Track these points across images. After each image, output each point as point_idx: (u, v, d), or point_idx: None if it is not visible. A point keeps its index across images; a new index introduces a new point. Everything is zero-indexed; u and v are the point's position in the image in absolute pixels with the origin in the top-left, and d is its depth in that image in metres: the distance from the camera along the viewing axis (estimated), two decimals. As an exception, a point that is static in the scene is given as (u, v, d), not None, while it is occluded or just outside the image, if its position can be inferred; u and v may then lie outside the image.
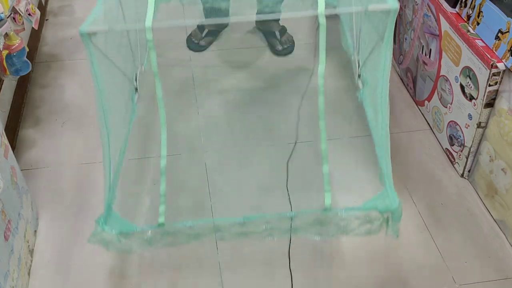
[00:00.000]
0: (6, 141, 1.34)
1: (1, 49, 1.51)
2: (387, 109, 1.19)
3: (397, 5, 1.07)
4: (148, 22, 1.07)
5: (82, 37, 1.04)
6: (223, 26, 2.31)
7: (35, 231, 1.49)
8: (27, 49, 1.62)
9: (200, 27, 2.25)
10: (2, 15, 1.43)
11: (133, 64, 1.57)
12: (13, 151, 1.40)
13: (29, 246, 1.41)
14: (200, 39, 2.24)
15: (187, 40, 2.25)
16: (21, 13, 1.62)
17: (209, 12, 2.23)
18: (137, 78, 1.55)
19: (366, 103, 1.46)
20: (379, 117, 1.24)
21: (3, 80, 1.72)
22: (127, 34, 1.45)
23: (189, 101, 1.95)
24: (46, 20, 2.40)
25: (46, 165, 1.70)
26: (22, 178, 1.42)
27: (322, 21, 1.07)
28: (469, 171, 1.68)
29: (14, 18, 1.60)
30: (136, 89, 1.54)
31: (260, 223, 1.14)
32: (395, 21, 1.09)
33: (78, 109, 1.92)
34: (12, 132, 1.76)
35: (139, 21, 1.35)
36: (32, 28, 1.78)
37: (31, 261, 1.41)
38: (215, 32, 2.27)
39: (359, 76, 1.55)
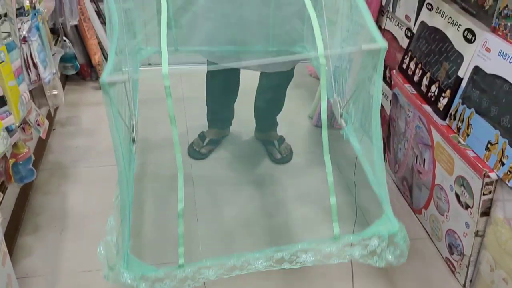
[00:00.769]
0: (5, 248, 1.34)
1: (9, 158, 1.56)
2: (380, 137, 1.30)
3: (386, 44, 1.18)
4: (165, 69, 1.15)
5: (102, 86, 1.13)
6: (224, 135, 2.40)
7: None
8: (33, 158, 1.67)
9: (202, 136, 2.34)
10: (13, 126, 1.49)
11: (130, 115, 1.61)
12: (10, 258, 1.40)
13: None
14: (201, 147, 2.31)
15: (188, 148, 2.32)
16: (30, 123, 1.69)
17: (213, 121, 2.33)
18: (134, 129, 1.60)
19: (353, 139, 1.52)
20: (374, 145, 1.33)
21: (7, 188, 1.75)
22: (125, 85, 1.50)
23: (188, 208, 1.97)
24: (53, 129, 2.49)
25: (43, 273, 1.68)
26: (17, 286, 1.40)
27: (323, 61, 1.18)
28: (470, 281, 1.65)
29: (23, 128, 1.67)
30: (134, 139, 1.59)
31: (285, 253, 1.20)
32: (383, 61, 1.20)
33: (78, 216, 1.93)
34: (11, 239, 1.75)
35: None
36: (39, 137, 1.84)
37: None
38: (216, 141, 2.35)
39: (341, 115, 1.62)
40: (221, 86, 2.21)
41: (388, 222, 1.27)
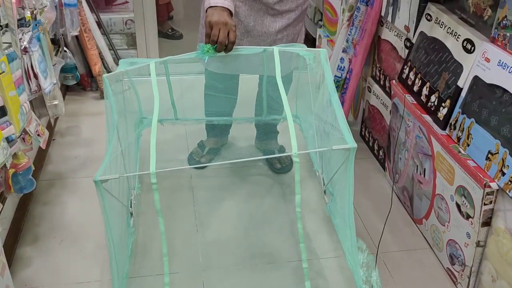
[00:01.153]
0: (4, 259, 1.33)
1: (8, 168, 1.56)
2: (353, 228, 1.45)
3: (355, 145, 1.34)
4: (152, 168, 1.28)
5: (96, 184, 1.29)
6: (223, 143, 2.40)
7: None
8: (33, 168, 1.67)
9: (201, 145, 2.33)
10: (13, 136, 1.49)
11: (128, 191, 1.74)
12: (9, 269, 1.39)
13: None
14: (201, 156, 2.31)
15: (188, 157, 2.32)
16: (30, 133, 1.69)
17: (211, 130, 2.33)
18: (132, 204, 1.73)
19: (334, 216, 1.64)
20: (347, 231, 1.48)
21: (6, 198, 1.75)
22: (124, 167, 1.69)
23: (188, 219, 1.97)
24: (53, 140, 2.49)
25: (41, 284, 1.67)
26: (15, 297, 1.39)
27: (297, 159, 1.32)
28: (472, 292, 1.64)
29: (23, 139, 1.67)
30: (131, 213, 1.65)
31: None
32: (353, 160, 1.36)
33: (78, 227, 1.92)
34: (10, 250, 1.75)
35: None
36: (39, 147, 1.84)
37: None
38: (216, 150, 2.35)
39: (325, 192, 1.73)
40: (220, 95, 2.21)
41: None
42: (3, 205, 1.71)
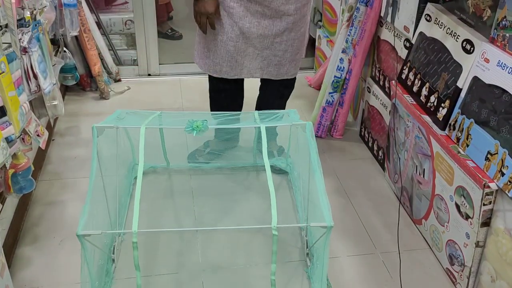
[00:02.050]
0: (3, 259, 1.33)
1: (8, 168, 1.56)
2: None
3: (332, 223, 1.36)
4: (135, 227, 1.34)
5: (78, 237, 1.34)
6: (231, 146, 2.37)
7: None
8: (32, 168, 1.67)
9: (206, 145, 2.33)
10: (13, 136, 1.49)
11: (111, 238, 1.78)
12: (9, 269, 1.39)
13: None
14: (201, 155, 2.30)
15: (188, 156, 2.31)
16: (30, 134, 1.69)
17: (222, 139, 2.32)
18: (114, 251, 1.75)
19: (313, 280, 1.66)
20: None
21: (6, 198, 1.75)
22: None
23: (187, 218, 1.97)
24: (53, 140, 2.49)
25: (41, 284, 1.67)
26: (15, 298, 1.39)
27: (275, 233, 1.36)
28: (471, 292, 1.64)
29: (23, 139, 1.67)
30: (113, 260, 1.66)
31: None
32: (329, 235, 1.38)
33: (77, 227, 1.92)
34: (10, 250, 1.75)
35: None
36: (39, 147, 1.84)
37: None
38: (219, 151, 2.34)
39: (307, 254, 1.77)
40: (225, 101, 2.21)
41: None
42: (3, 205, 1.71)
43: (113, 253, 1.73)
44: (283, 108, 2.28)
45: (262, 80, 2.22)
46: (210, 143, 2.34)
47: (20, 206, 1.92)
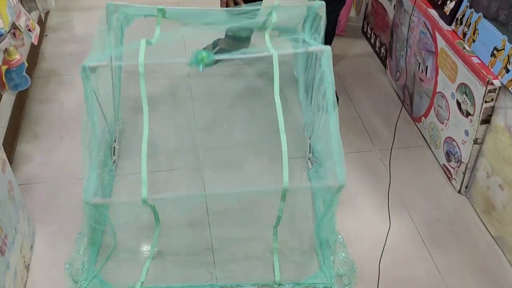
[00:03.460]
0: (4, 156, 1.34)
1: (1, 64, 1.52)
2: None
3: (344, 183, 1.26)
4: (141, 58, 1.32)
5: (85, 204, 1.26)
6: (241, 46, 2.18)
7: (32, 246, 1.48)
8: (26, 64, 1.63)
9: (214, 44, 2.22)
10: (2, 31, 1.44)
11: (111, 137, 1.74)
12: (10, 166, 1.40)
13: (25, 261, 1.40)
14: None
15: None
16: (21, 28, 1.63)
17: (232, 38, 2.18)
18: (115, 152, 1.72)
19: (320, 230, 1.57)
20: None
21: (2, 95, 1.73)
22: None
23: (187, 117, 1.96)
24: (45, 36, 2.41)
25: (43, 180, 1.70)
26: (19, 192, 1.42)
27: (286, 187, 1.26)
28: (466, 187, 1.68)
29: (14, 34, 1.61)
30: (114, 161, 1.70)
31: None
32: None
33: (76, 123, 1.91)
34: (10, 147, 1.76)
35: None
36: (32, 43, 1.79)
37: (27, 276, 1.40)
38: (228, 51, 2.16)
39: (309, 159, 1.75)
40: None
41: (324, 277, 1.42)
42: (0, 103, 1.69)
43: (114, 154, 1.73)
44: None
45: None
46: (220, 42, 2.22)
47: (18, 104, 1.90)
